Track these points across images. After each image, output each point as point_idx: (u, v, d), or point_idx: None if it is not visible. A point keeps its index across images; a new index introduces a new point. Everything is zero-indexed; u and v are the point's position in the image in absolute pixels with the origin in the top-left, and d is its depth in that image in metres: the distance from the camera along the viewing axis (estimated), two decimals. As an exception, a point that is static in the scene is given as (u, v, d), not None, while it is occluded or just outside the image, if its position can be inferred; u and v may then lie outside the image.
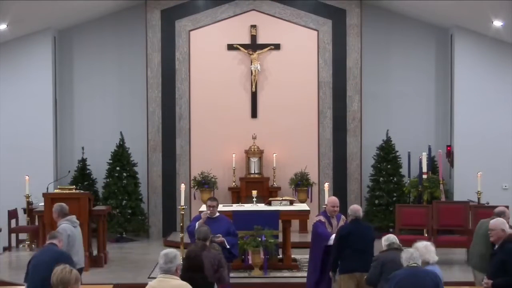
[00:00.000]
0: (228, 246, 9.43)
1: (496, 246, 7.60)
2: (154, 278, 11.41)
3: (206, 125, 15.62)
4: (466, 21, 14.91)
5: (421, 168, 14.11)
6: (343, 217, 9.74)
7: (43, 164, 15.11)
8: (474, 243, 9.10)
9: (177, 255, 6.02)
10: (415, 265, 6.70)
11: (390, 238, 8.03)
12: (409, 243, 12.76)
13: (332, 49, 15.60)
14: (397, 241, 7.98)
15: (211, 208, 9.78)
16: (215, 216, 9.82)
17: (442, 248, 12.44)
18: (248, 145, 15.39)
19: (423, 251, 7.12)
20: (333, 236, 9.25)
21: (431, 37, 15.99)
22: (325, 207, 10.15)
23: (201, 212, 11.06)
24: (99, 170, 15.52)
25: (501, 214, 8.67)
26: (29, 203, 14.04)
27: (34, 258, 7.44)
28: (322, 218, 9.72)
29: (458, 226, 12.74)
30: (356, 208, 8.96)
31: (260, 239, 11.31)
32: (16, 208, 14.46)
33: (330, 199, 9.88)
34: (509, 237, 7.52)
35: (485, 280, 7.48)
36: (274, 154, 15.40)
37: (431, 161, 14.69)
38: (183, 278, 7.64)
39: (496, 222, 7.67)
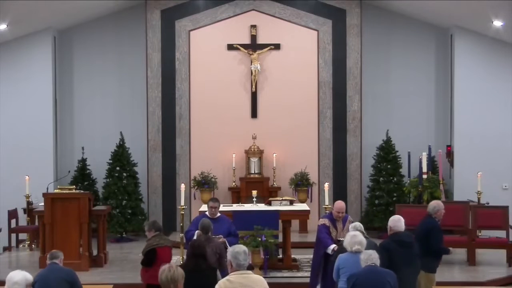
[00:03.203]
0: (229, 247, 9.42)
1: None
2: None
3: (206, 125, 15.62)
4: (466, 21, 14.92)
5: (421, 168, 14.09)
6: (350, 218, 9.71)
7: (43, 164, 15.11)
8: None
9: None
10: (373, 265, 6.96)
11: (356, 225, 8.52)
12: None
13: (332, 49, 15.61)
14: (362, 229, 8.41)
15: (213, 209, 9.77)
16: (216, 216, 9.81)
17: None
18: (248, 145, 15.40)
19: (347, 239, 7.76)
20: (332, 246, 9.28)
21: (431, 37, 15.99)
22: (327, 211, 10.14)
23: (201, 212, 11.08)
24: (99, 170, 15.51)
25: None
26: (29, 203, 14.05)
27: (40, 278, 7.37)
28: (327, 222, 9.63)
29: (458, 226, 12.73)
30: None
31: (260, 239, 11.30)
32: (16, 208, 14.46)
33: (336, 204, 9.70)
34: (391, 235, 8.13)
35: None
36: (274, 154, 15.40)
37: (431, 161, 14.69)
38: (189, 264, 7.94)
39: (390, 219, 8.29)
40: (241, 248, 6.19)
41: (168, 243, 8.70)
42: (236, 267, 6.09)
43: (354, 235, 7.80)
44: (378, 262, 7.01)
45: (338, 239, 9.35)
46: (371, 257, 6.97)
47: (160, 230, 8.74)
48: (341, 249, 8.16)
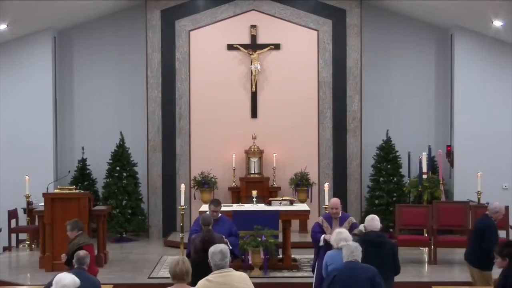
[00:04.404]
0: (230, 247, 9.40)
1: None
2: (155, 277, 11.50)
3: (206, 125, 15.62)
4: (466, 21, 14.92)
5: (421, 168, 14.11)
6: (350, 218, 9.68)
7: (43, 164, 15.12)
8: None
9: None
10: (353, 260, 6.98)
11: (355, 229, 8.95)
12: (409, 243, 12.85)
13: (332, 49, 15.60)
14: (362, 228, 8.69)
15: (214, 213, 9.74)
16: (216, 217, 9.79)
17: (442, 248, 12.49)
18: (248, 145, 15.40)
19: (333, 236, 8.05)
20: (323, 236, 9.27)
21: (431, 37, 15.99)
22: (326, 211, 10.12)
23: (201, 212, 11.08)
24: (99, 170, 15.52)
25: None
26: (29, 203, 14.05)
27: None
28: (321, 220, 9.64)
29: (458, 226, 12.75)
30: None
31: (260, 239, 11.31)
32: (16, 208, 14.46)
33: (330, 201, 9.72)
34: (363, 234, 8.40)
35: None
36: (274, 154, 15.40)
37: (431, 161, 14.70)
38: (198, 258, 7.98)
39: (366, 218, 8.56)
40: (216, 248, 6.17)
41: (90, 241, 9.03)
42: (214, 268, 6.09)
43: (339, 231, 7.98)
44: (359, 258, 7.00)
45: (326, 238, 9.34)
46: (352, 254, 6.96)
47: (82, 230, 9.11)
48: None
